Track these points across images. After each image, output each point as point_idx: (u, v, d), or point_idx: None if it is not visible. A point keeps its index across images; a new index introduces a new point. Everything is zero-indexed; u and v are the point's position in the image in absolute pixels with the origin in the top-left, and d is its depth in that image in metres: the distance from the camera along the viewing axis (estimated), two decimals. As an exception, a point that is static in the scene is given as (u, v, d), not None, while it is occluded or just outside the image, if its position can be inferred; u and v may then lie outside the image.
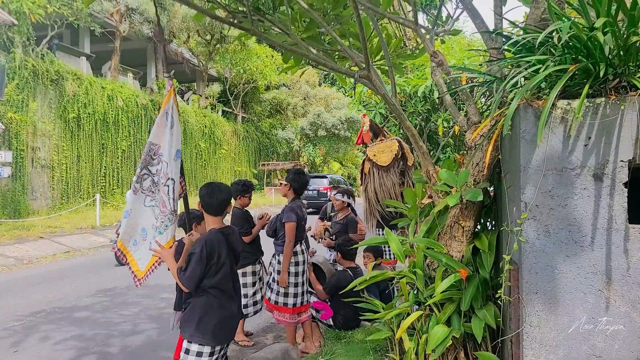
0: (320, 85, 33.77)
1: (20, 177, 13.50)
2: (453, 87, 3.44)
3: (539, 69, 2.35)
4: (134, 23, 18.25)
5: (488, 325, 2.74)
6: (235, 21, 3.38)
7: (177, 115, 3.22)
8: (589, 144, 2.31)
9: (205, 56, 23.53)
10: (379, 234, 5.96)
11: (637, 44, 2.28)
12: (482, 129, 2.89)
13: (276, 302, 4.34)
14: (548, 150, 2.35)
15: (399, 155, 6.05)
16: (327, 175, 22.15)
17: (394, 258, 5.19)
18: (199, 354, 2.74)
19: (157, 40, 4.07)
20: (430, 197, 3.33)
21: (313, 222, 6.03)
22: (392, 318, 3.17)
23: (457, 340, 2.88)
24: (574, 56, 2.38)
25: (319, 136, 29.14)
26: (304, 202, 4.86)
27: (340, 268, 4.91)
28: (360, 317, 4.20)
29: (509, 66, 2.79)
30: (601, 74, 2.28)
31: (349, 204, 5.79)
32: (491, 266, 2.89)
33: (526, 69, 2.43)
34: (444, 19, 4.08)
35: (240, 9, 3.43)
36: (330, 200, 6.18)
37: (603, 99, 2.31)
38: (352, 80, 3.38)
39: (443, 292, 2.81)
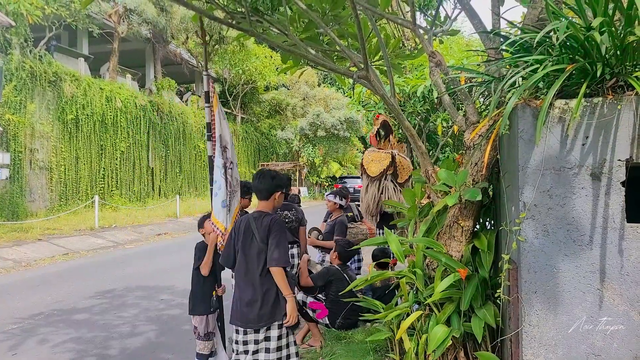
0: (319, 85, 33.78)
1: (18, 178, 13.48)
2: (452, 87, 3.45)
3: (537, 68, 2.36)
4: (132, 24, 18.23)
5: (488, 324, 2.75)
6: (234, 22, 3.38)
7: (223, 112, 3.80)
8: (587, 143, 2.32)
9: (203, 57, 23.51)
10: (379, 234, 5.99)
11: (634, 44, 2.28)
12: (481, 129, 2.90)
13: None
14: (546, 150, 2.36)
15: (388, 171, 6.10)
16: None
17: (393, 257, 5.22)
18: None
19: (202, 41, 4.17)
20: (429, 196, 3.34)
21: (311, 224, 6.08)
22: (392, 318, 3.18)
23: (457, 340, 2.88)
24: (571, 56, 2.39)
25: (318, 136, 29.15)
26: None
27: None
28: (360, 318, 4.21)
29: (507, 66, 2.80)
30: (598, 73, 2.29)
31: (340, 206, 5.80)
32: (490, 266, 2.90)
33: (524, 68, 2.44)
34: (442, 19, 4.09)
35: (238, 9, 3.44)
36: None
37: (600, 98, 2.32)
38: (351, 80, 3.39)
39: (443, 291, 2.82)
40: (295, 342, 3.16)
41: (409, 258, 3.33)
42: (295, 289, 4.61)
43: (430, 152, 7.19)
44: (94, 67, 18.29)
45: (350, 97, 9.34)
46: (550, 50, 2.49)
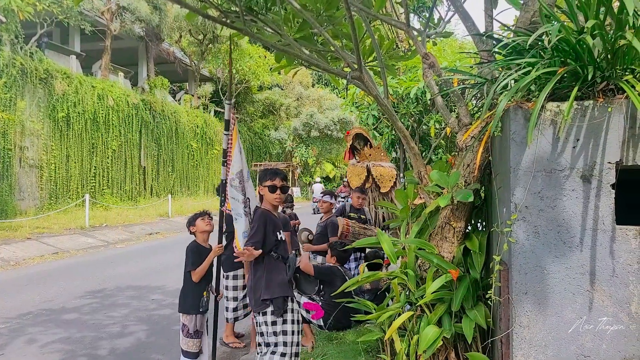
0: (313, 86, 33.79)
1: (7, 176, 13.34)
2: (445, 88, 3.47)
3: (529, 71, 2.38)
4: (125, 22, 18.11)
5: (478, 325, 2.76)
6: (228, 21, 3.37)
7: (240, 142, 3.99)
8: (578, 145, 2.34)
9: (197, 56, 23.44)
10: None
11: (625, 48, 2.31)
12: (473, 131, 2.91)
13: None
14: (537, 152, 2.38)
15: (367, 184, 6.27)
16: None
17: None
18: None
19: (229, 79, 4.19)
20: (421, 198, 3.35)
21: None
22: (383, 319, 3.18)
23: (448, 340, 2.89)
24: (563, 59, 2.41)
25: (311, 137, 29.17)
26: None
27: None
28: (352, 318, 4.21)
29: (500, 68, 2.81)
30: (589, 76, 2.31)
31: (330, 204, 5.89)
32: (482, 267, 2.91)
33: (516, 71, 2.45)
34: (435, 21, 4.11)
35: (232, 8, 3.42)
36: (349, 199, 6.31)
37: (591, 101, 2.34)
38: (345, 81, 3.39)
39: (434, 292, 2.82)
40: (285, 331, 3.28)
41: (401, 259, 3.34)
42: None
43: (423, 153, 7.22)
44: (85, 64, 18.15)
45: (344, 98, 9.36)
46: (542, 53, 2.51)
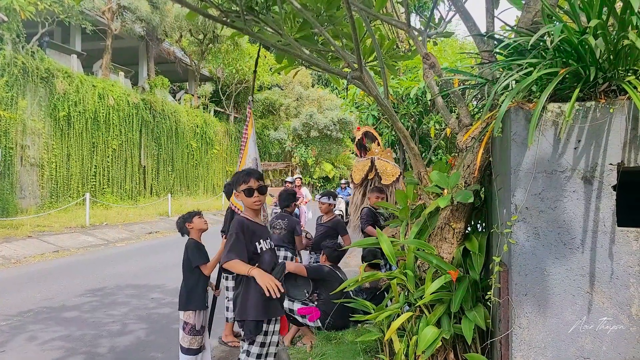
0: (313, 86, 33.77)
1: (8, 175, 13.34)
2: (445, 89, 3.46)
3: (530, 72, 2.37)
4: (125, 21, 18.11)
5: (478, 326, 2.76)
6: (228, 20, 3.37)
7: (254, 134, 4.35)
8: (579, 147, 2.33)
9: (197, 55, 23.43)
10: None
11: (627, 48, 2.30)
12: (474, 132, 2.91)
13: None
14: (538, 153, 2.37)
15: (368, 176, 6.35)
16: None
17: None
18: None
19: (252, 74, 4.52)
20: (421, 198, 3.34)
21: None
22: (382, 319, 3.18)
23: (447, 341, 2.89)
24: (564, 60, 2.40)
25: (311, 137, 29.14)
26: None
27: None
28: (351, 319, 4.20)
29: (501, 69, 2.80)
30: (591, 77, 2.30)
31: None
32: (481, 268, 2.91)
33: (517, 72, 2.45)
34: (436, 21, 4.10)
35: (233, 8, 3.42)
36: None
37: (593, 102, 2.33)
38: (345, 81, 3.38)
39: (433, 293, 2.82)
40: (273, 343, 2.92)
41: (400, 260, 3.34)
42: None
43: (423, 154, 7.21)
44: (86, 64, 18.15)
45: (344, 98, 9.35)
46: (543, 53, 2.50)
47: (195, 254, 3.73)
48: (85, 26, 15.90)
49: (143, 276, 8.00)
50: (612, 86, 2.36)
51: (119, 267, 8.81)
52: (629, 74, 2.35)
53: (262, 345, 2.80)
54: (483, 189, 3.18)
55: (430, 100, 6.51)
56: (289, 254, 5.16)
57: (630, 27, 2.26)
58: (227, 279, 4.62)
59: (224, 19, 3.36)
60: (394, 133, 7.85)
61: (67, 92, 15.44)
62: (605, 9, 2.30)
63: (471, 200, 2.75)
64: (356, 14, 3.46)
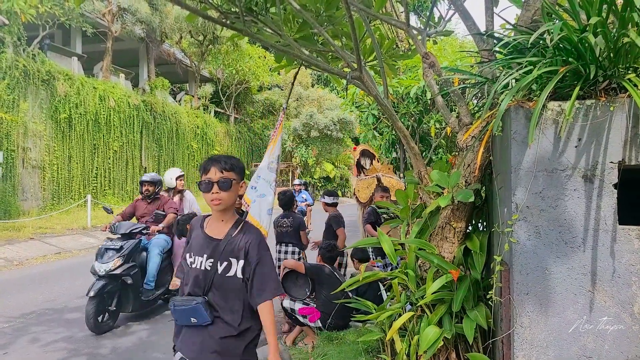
0: (313, 86, 33.75)
1: (10, 177, 13.36)
2: (445, 88, 3.45)
3: (530, 70, 2.36)
4: (125, 23, 18.13)
5: (479, 326, 2.75)
6: (228, 22, 3.37)
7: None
8: (580, 145, 2.33)
9: (197, 57, 23.44)
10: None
11: (627, 46, 2.29)
12: (474, 130, 2.90)
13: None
14: (539, 152, 2.36)
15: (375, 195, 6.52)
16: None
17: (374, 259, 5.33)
18: None
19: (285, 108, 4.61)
20: (421, 198, 3.34)
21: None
22: (383, 319, 3.17)
23: (449, 341, 2.88)
24: (564, 58, 2.40)
25: (311, 137, 29.11)
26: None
27: None
28: (352, 319, 4.20)
29: (500, 68, 2.80)
30: (591, 75, 2.29)
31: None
32: (482, 267, 2.90)
33: (517, 70, 2.44)
34: (436, 20, 4.10)
35: (232, 9, 3.42)
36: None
37: (593, 100, 2.32)
38: (345, 81, 3.38)
39: (434, 293, 2.81)
40: None
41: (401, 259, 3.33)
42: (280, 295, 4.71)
43: (423, 153, 7.21)
44: (87, 66, 18.17)
45: (344, 98, 9.34)
46: (543, 52, 2.50)
47: None
48: (85, 28, 15.92)
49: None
50: (613, 84, 2.35)
51: (121, 269, 8.81)
52: (629, 72, 2.35)
53: None
54: (484, 187, 3.17)
55: (430, 99, 6.51)
56: (296, 249, 5.58)
57: (630, 25, 2.26)
58: None
59: (224, 20, 3.36)
60: (394, 132, 7.84)
61: (68, 94, 15.46)
62: (605, 6, 2.30)
63: (472, 199, 2.75)
64: (355, 14, 3.45)
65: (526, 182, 2.38)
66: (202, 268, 2.12)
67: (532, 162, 2.37)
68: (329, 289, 4.37)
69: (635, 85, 2.17)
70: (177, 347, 2.32)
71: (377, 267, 5.10)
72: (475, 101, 3.88)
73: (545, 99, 2.26)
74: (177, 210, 6.22)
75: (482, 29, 3.27)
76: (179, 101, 24.09)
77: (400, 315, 3.06)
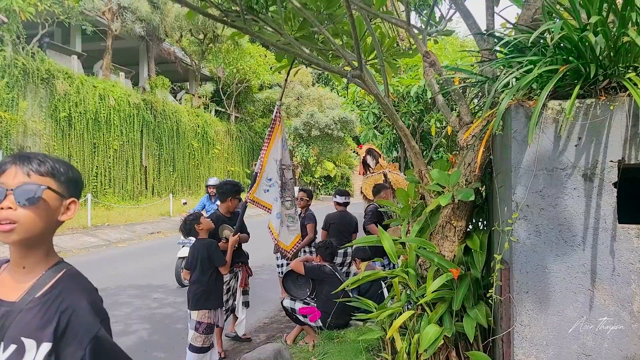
0: (313, 85, 33.74)
1: (10, 176, 13.35)
2: (445, 87, 3.46)
3: (531, 69, 2.37)
4: (125, 22, 18.10)
5: (479, 324, 2.76)
6: (229, 20, 3.37)
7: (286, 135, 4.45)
8: (580, 144, 2.33)
9: (198, 55, 23.43)
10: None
11: (628, 45, 2.29)
12: (474, 129, 2.91)
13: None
14: (539, 151, 2.37)
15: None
16: None
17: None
18: None
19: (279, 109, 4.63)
20: (422, 197, 3.34)
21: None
22: (384, 318, 3.18)
23: (449, 339, 2.89)
24: (565, 57, 2.40)
25: (312, 136, 29.12)
26: None
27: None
28: (353, 318, 4.21)
29: (501, 67, 2.80)
30: (591, 74, 2.30)
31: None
32: (483, 266, 2.90)
33: (518, 69, 2.44)
34: (436, 19, 4.10)
35: (233, 7, 3.42)
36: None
37: (593, 99, 2.33)
38: (346, 79, 3.38)
39: (435, 291, 2.82)
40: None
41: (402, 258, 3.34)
42: (281, 294, 4.76)
43: (424, 152, 7.22)
44: (87, 64, 18.16)
45: (345, 97, 9.35)
46: (544, 51, 2.50)
47: (218, 256, 3.84)
48: (85, 27, 15.91)
49: (145, 276, 8.01)
50: (613, 83, 2.36)
51: (121, 268, 8.82)
52: (629, 71, 2.35)
53: None
54: (484, 186, 3.18)
55: (430, 98, 6.52)
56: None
57: (630, 24, 2.26)
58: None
59: (224, 18, 3.36)
60: (394, 131, 7.85)
61: (67, 93, 15.45)
62: (605, 5, 2.30)
63: (472, 198, 2.75)
64: (356, 12, 3.46)
65: (526, 180, 2.38)
66: None
67: (532, 161, 2.38)
68: (329, 288, 4.38)
69: (635, 84, 2.17)
70: None
71: (378, 266, 5.11)
72: (475, 100, 3.88)
73: (546, 97, 2.26)
74: None
75: (483, 28, 3.27)
76: (180, 100, 24.08)
77: (400, 313, 3.07)
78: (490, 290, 2.64)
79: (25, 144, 13.97)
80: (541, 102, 2.24)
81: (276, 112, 4.49)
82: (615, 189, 2.29)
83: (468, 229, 3.13)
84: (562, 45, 2.42)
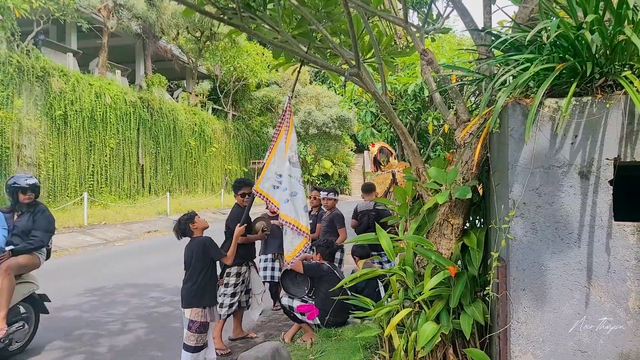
0: (311, 83, 33.72)
1: (5, 175, 13.29)
2: (443, 85, 3.46)
3: (528, 67, 2.38)
4: (121, 19, 18.03)
5: (476, 321, 2.77)
6: (225, 18, 3.36)
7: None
8: (576, 142, 2.34)
9: (195, 53, 23.36)
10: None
11: (623, 43, 2.31)
12: (471, 127, 2.91)
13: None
14: (536, 148, 2.38)
15: (391, 189, 6.62)
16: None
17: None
18: None
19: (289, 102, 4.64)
20: (419, 195, 3.35)
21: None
22: (382, 315, 3.19)
23: (446, 336, 2.90)
24: (561, 55, 2.41)
25: (310, 134, 29.11)
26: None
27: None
28: (351, 316, 4.22)
29: (498, 65, 2.81)
30: (588, 72, 2.31)
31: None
32: (480, 263, 2.92)
33: (515, 67, 2.45)
34: (434, 17, 4.10)
35: (230, 5, 3.42)
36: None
37: (590, 97, 2.34)
38: (343, 78, 3.39)
39: (432, 289, 2.83)
40: None
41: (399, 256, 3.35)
42: (281, 293, 4.77)
43: (422, 150, 7.23)
44: (82, 62, 18.05)
45: (342, 95, 9.35)
46: (540, 49, 2.51)
47: (215, 250, 3.86)
48: (80, 24, 15.83)
49: (142, 275, 8.00)
50: (609, 81, 2.37)
51: (118, 267, 8.81)
52: (625, 69, 2.36)
53: None
54: (481, 184, 3.19)
55: (428, 96, 6.52)
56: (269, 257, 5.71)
57: (626, 22, 2.27)
58: (228, 275, 4.61)
59: (221, 16, 3.36)
60: (392, 130, 7.86)
61: (63, 90, 15.38)
62: (601, 4, 2.31)
63: (469, 196, 2.76)
64: (354, 11, 3.45)
65: (523, 178, 2.39)
66: None
67: (529, 158, 2.39)
68: (328, 286, 4.38)
69: (631, 82, 2.18)
70: None
71: (375, 263, 5.12)
72: (473, 98, 3.89)
73: (542, 95, 2.27)
74: None
75: (480, 26, 3.28)
76: (176, 98, 24.01)
77: (398, 311, 3.08)
78: (487, 288, 2.65)
79: (21, 142, 13.91)
80: (538, 100, 2.25)
81: (287, 105, 4.36)
82: (611, 187, 2.30)
83: (465, 227, 3.14)
84: (558, 43, 2.43)
